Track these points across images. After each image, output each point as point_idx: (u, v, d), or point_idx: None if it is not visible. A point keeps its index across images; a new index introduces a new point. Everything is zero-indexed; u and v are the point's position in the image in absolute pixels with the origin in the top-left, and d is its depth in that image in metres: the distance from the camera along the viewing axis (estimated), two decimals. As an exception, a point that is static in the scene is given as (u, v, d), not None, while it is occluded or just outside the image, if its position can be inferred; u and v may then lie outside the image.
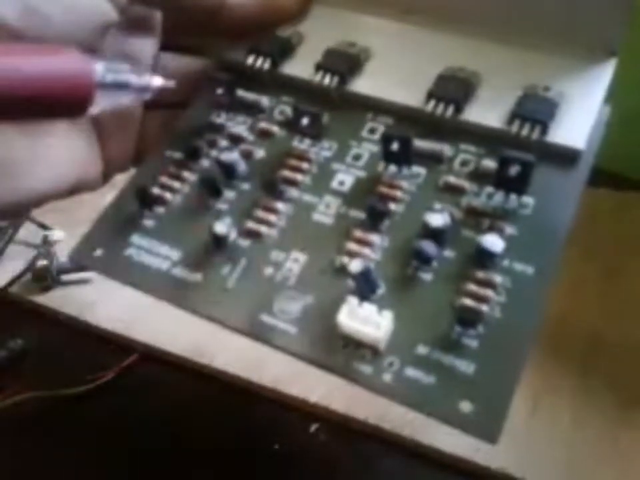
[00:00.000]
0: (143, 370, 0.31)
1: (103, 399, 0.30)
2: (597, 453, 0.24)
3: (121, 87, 0.14)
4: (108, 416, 0.30)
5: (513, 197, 0.18)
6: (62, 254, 0.35)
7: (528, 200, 0.17)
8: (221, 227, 0.18)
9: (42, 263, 0.34)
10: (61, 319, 0.34)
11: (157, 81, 0.15)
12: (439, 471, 0.26)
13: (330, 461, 0.27)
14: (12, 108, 0.12)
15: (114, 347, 0.32)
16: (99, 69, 0.13)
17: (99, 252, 0.19)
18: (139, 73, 0.15)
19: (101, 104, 0.13)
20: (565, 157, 0.18)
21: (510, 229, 0.17)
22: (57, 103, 0.12)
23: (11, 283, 0.34)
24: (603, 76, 0.18)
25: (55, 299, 0.34)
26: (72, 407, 0.30)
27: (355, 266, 0.16)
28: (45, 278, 0.34)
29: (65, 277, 0.35)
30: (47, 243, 0.35)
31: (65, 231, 0.36)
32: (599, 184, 0.31)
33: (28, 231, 0.38)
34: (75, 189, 0.21)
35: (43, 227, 0.37)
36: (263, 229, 0.19)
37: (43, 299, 0.34)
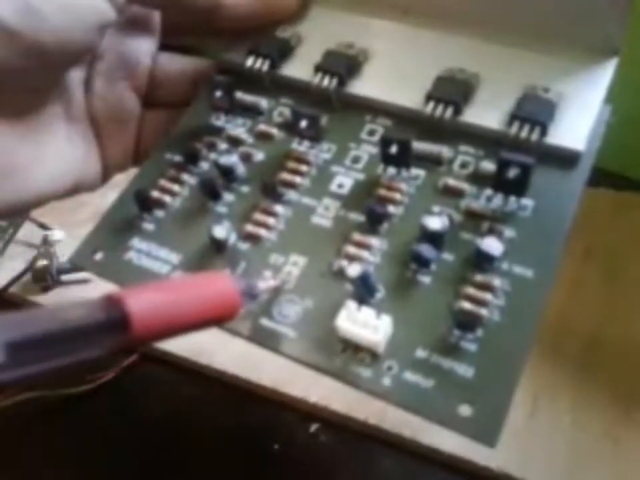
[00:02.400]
0: (143, 370, 0.31)
1: (103, 399, 0.30)
2: (597, 453, 0.25)
3: (255, 296, 0.17)
4: (108, 416, 0.30)
5: (512, 199, 0.18)
6: (62, 254, 0.35)
7: (527, 202, 0.17)
8: (220, 231, 0.18)
9: (42, 262, 0.34)
10: (61, 319, 0.34)
11: (270, 282, 0.17)
12: (439, 470, 0.26)
13: (330, 461, 0.27)
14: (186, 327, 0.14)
15: (114, 347, 0.32)
16: (242, 286, 0.16)
17: (99, 255, 0.19)
18: (260, 278, 0.17)
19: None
20: (565, 159, 0.18)
21: (509, 232, 0.17)
22: (211, 322, 0.15)
23: (11, 283, 0.34)
24: (603, 76, 0.18)
25: (55, 299, 0.34)
26: (72, 406, 0.30)
27: (354, 270, 0.16)
28: (44, 278, 0.34)
29: (65, 277, 0.35)
30: (47, 243, 0.35)
31: (65, 231, 0.36)
32: (599, 184, 0.31)
33: (28, 231, 0.38)
34: (74, 189, 0.21)
35: (43, 227, 0.36)
36: (262, 232, 0.19)
37: (42, 299, 0.34)
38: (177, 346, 0.31)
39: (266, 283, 0.17)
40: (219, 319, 0.15)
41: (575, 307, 0.29)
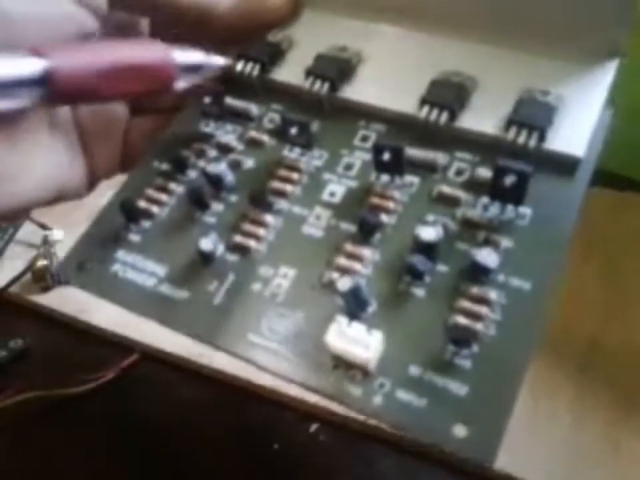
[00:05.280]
0: (143, 370, 0.32)
1: (103, 398, 0.31)
2: (597, 453, 0.25)
3: (196, 68, 0.16)
4: (108, 416, 0.30)
5: (510, 207, 0.17)
6: (62, 254, 0.35)
7: (525, 210, 0.17)
8: (207, 243, 0.18)
9: (42, 263, 0.34)
10: (61, 318, 0.34)
11: (221, 60, 0.17)
12: (439, 470, 0.26)
13: (330, 461, 0.27)
14: (115, 91, 0.15)
15: (114, 347, 0.32)
16: (178, 54, 0.15)
17: (83, 267, 0.19)
18: (208, 54, 0.17)
19: (182, 83, 0.16)
20: (564, 165, 0.17)
21: (506, 242, 0.17)
22: (147, 86, 0.15)
23: (11, 283, 0.34)
24: (604, 78, 0.18)
25: (55, 299, 0.34)
26: (72, 406, 0.30)
27: (344, 284, 0.16)
28: (44, 278, 0.34)
29: (65, 277, 0.34)
30: (47, 243, 0.35)
31: (65, 231, 0.36)
32: (599, 184, 0.31)
33: (28, 231, 0.38)
34: (59, 197, 0.21)
35: (43, 227, 0.36)
36: (251, 243, 0.18)
37: (42, 299, 0.34)
38: (177, 346, 0.31)
39: (209, 57, 0.16)
40: (150, 85, 0.15)
41: (574, 307, 0.28)
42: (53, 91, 0.13)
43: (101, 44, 0.15)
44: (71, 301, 0.34)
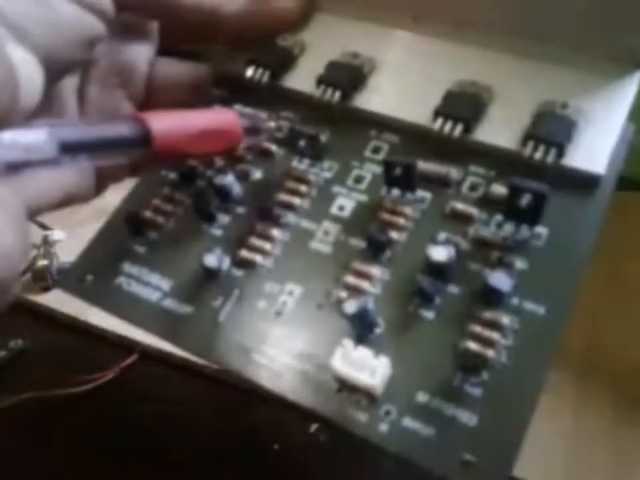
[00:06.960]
0: (143, 370, 0.31)
1: (103, 398, 0.30)
2: (597, 453, 0.24)
3: (255, 131, 0.19)
4: (108, 416, 0.30)
5: (525, 226, 0.16)
6: (62, 254, 0.35)
7: (541, 230, 0.16)
8: (211, 259, 0.17)
9: (42, 262, 0.34)
10: (61, 318, 0.34)
11: (273, 124, 0.20)
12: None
13: (330, 461, 0.27)
14: (197, 151, 0.17)
15: (114, 347, 0.32)
16: (243, 120, 0.18)
17: (88, 279, 0.19)
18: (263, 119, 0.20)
19: (244, 143, 0.18)
20: (583, 183, 0.16)
21: (520, 263, 0.16)
22: (222, 146, 0.18)
23: (11, 282, 0.34)
24: (627, 91, 0.17)
25: (55, 299, 0.34)
26: (72, 406, 0.30)
27: (350, 307, 0.15)
28: (45, 278, 0.34)
29: (65, 277, 0.34)
30: (47, 242, 0.35)
31: (65, 231, 0.35)
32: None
33: (28, 231, 0.37)
34: (67, 202, 0.20)
35: (43, 227, 0.36)
36: (258, 258, 0.18)
37: (42, 299, 0.34)
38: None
39: (264, 122, 0.19)
40: (224, 146, 0.17)
41: (575, 307, 0.28)
42: (149, 151, 0.15)
43: (187, 112, 0.17)
44: (71, 301, 0.33)
